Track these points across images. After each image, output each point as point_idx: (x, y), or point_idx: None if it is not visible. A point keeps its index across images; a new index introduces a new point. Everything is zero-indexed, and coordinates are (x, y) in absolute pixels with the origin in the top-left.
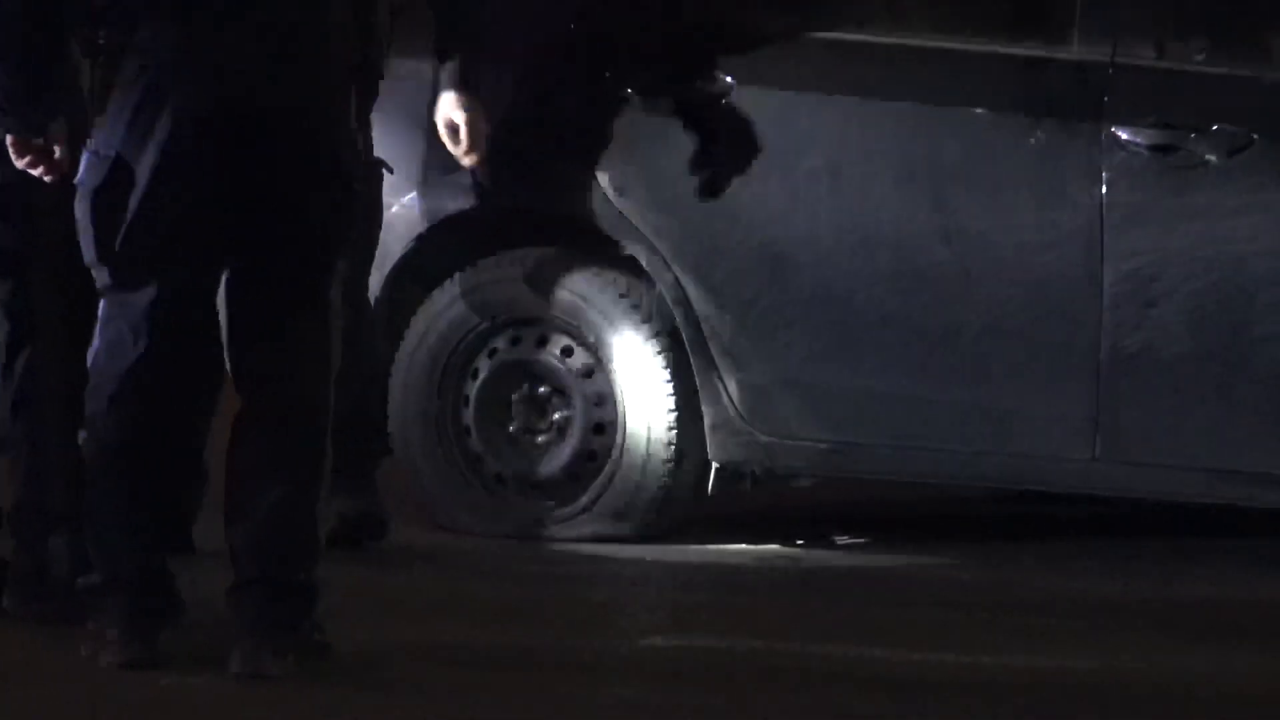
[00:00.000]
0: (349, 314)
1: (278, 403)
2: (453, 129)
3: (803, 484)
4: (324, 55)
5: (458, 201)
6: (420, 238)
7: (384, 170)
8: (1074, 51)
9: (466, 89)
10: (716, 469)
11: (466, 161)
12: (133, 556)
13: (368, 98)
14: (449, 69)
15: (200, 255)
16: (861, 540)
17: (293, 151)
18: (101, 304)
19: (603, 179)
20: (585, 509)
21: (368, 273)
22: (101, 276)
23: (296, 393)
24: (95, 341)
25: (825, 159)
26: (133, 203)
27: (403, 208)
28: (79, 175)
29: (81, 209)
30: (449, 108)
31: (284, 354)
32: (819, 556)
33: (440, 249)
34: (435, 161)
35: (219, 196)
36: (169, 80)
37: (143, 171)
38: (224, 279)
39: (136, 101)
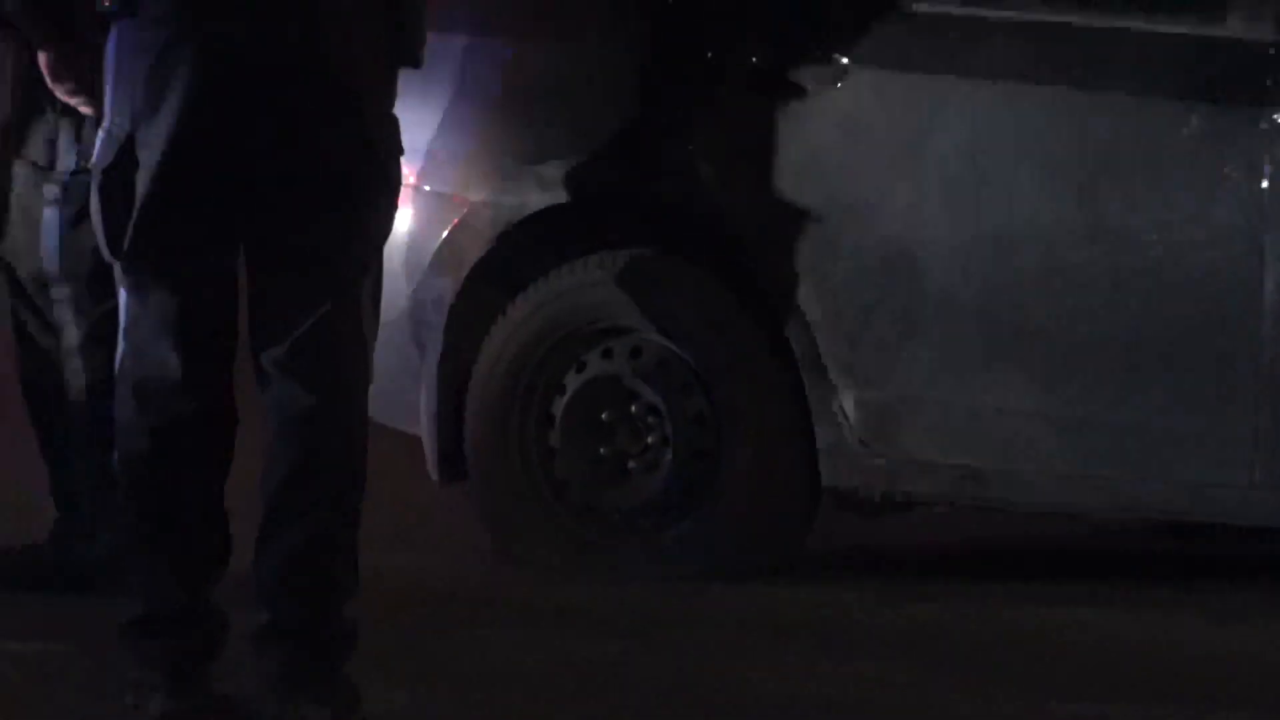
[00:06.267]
0: None
1: (306, 413)
2: None
3: (939, 510)
4: (353, 13)
5: (543, 195)
6: (501, 237)
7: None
8: (1234, 30)
9: None
10: (828, 497)
11: None
12: (177, 590)
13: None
14: None
15: (219, 243)
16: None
17: (319, 119)
18: (122, 303)
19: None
20: (682, 542)
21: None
22: (118, 270)
23: (326, 399)
24: (120, 345)
25: (958, 148)
26: (144, 184)
27: (481, 204)
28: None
29: (94, 193)
30: None
31: (310, 353)
32: (936, 606)
33: (522, 250)
34: (517, 150)
35: (237, 174)
36: (182, 46)
37: (154, 149)
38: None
39: (146, 72)
